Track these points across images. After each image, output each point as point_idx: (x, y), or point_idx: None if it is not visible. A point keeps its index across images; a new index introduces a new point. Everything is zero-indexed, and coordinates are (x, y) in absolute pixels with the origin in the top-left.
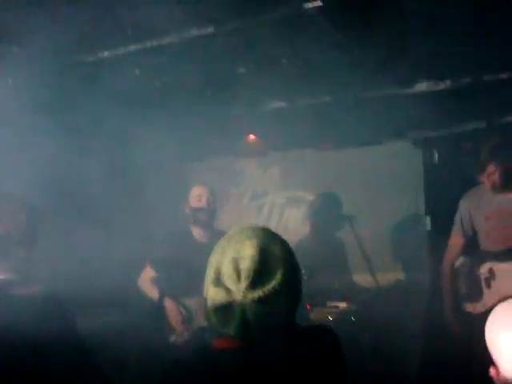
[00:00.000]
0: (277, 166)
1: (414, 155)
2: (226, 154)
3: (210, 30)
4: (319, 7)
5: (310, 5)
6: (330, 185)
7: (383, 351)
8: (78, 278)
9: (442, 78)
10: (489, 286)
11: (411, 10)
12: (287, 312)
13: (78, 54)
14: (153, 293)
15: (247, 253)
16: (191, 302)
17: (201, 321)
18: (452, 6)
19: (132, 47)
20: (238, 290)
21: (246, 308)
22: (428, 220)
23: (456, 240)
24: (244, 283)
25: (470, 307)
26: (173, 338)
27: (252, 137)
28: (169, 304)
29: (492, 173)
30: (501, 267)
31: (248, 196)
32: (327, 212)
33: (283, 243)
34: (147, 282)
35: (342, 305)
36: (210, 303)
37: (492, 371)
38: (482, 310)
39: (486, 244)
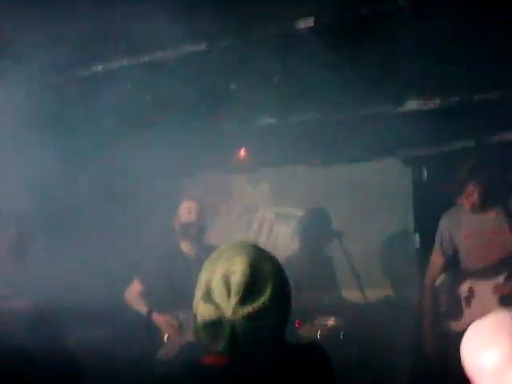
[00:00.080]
0: (267, 181)
1: (404, 173)
2: (216, 169)
3: (204, 46)
4: (311, 27)
5: (302, 24)
6: (320, 201)
7: (372, 367)
8: (67, 291)
9: (432, 96)
10: (469, 304)
11: (402, 31)
12: (277, 328)
13: (72, 69)
14: (140, 306)
15: (237, 269)
16: (179, 316)
17: (189, 335)
18: (442, 27)
19: (125, 62)
20: (228, 306)
21: (235, 324)
22: (417, 237)
23: (436, 259)
24: (234, 299)
25: (450, 325)
26: (161, 353)
27: (242, 152)
28: (157, 317)
29: (471, 193)
30: (480, 286)
31: (238, 211)
32: (316, 228)
33: (273, 259)
34: (134, 295)
35: (331, 321)
36: (199, 319)
37: None
38: (462, 328)
39: (466, 263)
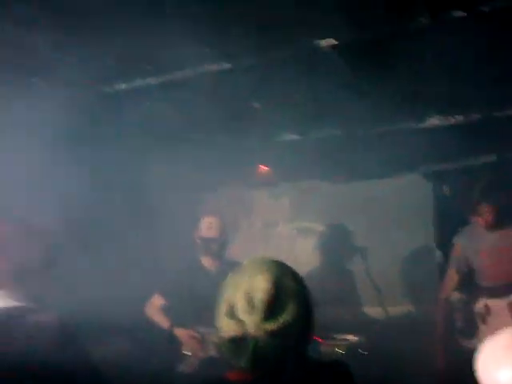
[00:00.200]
0: (287, 196)
1: (425, 188)
2: (238, 183)
3: (227, 66)
4: (332, 46)
5: (323, 44)
6: (340, 216)
7: (393, 383)
8: (91, 303)
9: (453, 113)
10: (484, 321)
11: (423, 49)
12: (299, 344)
13: (98, 86)
14: (161, 320)
15: (260, 286)
16: (200, 331)
17: (210, 349)
18: (462, 45)
19: (154, 81)
20: (252, 323)
21: (258, 340)
22: (438, 253)
23: (451, 276)
24: (257, 316)
25: (465, 342)
26: (182, 367)
27: (264, 168)
28: (179, 331)
29: (485, 212)
30: (496, 303)
31: (258, 226)
32: (337, 243)
33: (295, 275)
34: (155, 309)
35: (352, 337)
36: (222, 335)
37: None
38: (478, 345)
39: (481, 280)
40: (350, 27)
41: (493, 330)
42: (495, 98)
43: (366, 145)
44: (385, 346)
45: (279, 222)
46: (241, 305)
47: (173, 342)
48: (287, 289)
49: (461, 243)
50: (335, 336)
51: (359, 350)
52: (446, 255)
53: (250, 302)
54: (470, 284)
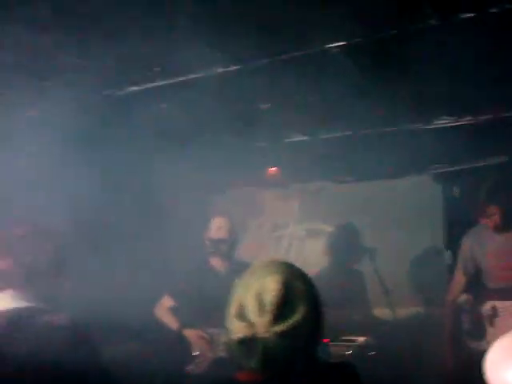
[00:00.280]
0: (297, 198)
1: (434, 189)
2: (247, 185)
3: (236, 67)
4: (341, 48)
5: (332, 44)
6: (350, 217)
7: None
8: (101, 304)
9: (462, 114)
10: (492, 323)
11: (432, 51)
12: (309, 345)
13: (106, 89)
14: (170, 321)
15: (270, 287)
16: (209, 332)
17: (219, 350)
18: (472, 46)
19: (159, 83)
20: (262, 324)
21: (268, 341)
22: (448, 253)
23: (459, 277)
24: (267, 317)
25: (473, 344)
26: (191, 367)
27: (273, 169)
28: (188, 332)
29: (492, 214)
30: (504, 305)
31: (268, 227)
32: (347, 244)
33: (305, 277)
34: (164, 310)
35: (361, 338)
36: (232, 336)
37: None
38: (486, 347)
39: (488, 282)
40: (358, 29)
41: (500, 332)
42: (503, 100)
43: (374, 146)
44: (393, 346)
45: (289, 223)
46: (251, 306)
47: (182, 342)
48: (297, 290)
49: (468, 244)
50: (344, 337)
51: (369, 350)
52: (455, 256)
53: (260, 303)
54: (477, 285)
